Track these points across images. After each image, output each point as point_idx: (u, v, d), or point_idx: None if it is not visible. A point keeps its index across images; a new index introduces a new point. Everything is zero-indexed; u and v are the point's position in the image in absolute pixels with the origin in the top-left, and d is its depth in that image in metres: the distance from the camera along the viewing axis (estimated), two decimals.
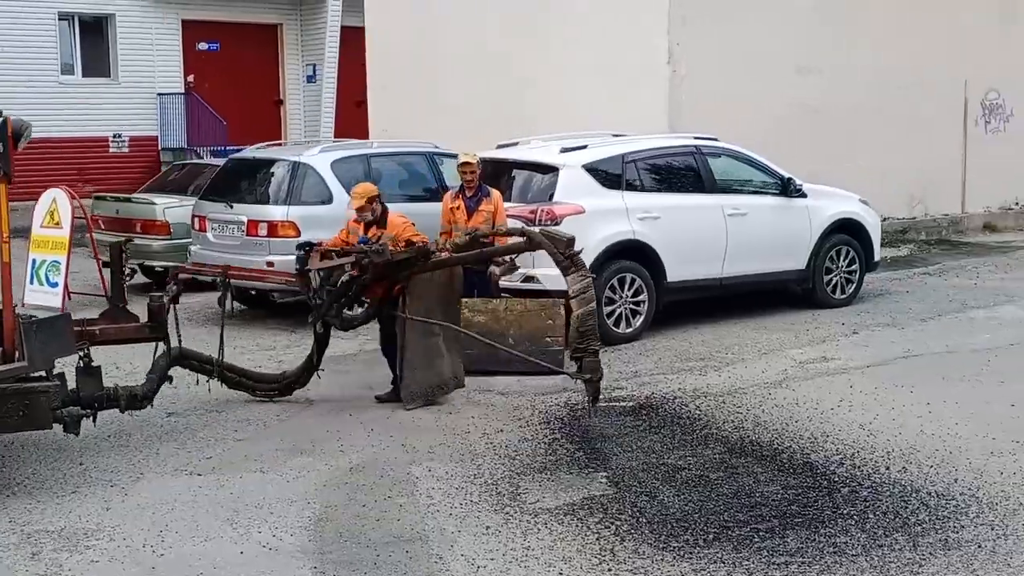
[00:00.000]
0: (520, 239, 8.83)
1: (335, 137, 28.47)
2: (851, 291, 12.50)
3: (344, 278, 8.75)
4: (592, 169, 10.94)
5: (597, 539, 6.24)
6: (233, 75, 27.62)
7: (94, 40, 26.49)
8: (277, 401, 9.07)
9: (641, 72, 14.68)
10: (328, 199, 11.96)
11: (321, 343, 9.01)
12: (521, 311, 9.91)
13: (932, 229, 17.78)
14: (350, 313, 9.11)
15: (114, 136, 26.64)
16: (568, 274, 8.25)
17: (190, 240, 13.07)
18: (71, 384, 7.62)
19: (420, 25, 17.38)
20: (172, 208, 13.67)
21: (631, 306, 10.89)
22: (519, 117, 15.29)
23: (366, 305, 9.13)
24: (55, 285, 12.87)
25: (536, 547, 6.14)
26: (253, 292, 12.48)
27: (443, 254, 8.85)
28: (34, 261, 13.33)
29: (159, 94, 26.84)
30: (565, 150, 11.04)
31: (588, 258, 10.54)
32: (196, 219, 12.58)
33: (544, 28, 15.71)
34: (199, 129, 26.44)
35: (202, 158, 25.69)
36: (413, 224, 9.00)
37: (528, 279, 10.68)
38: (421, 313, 8.76)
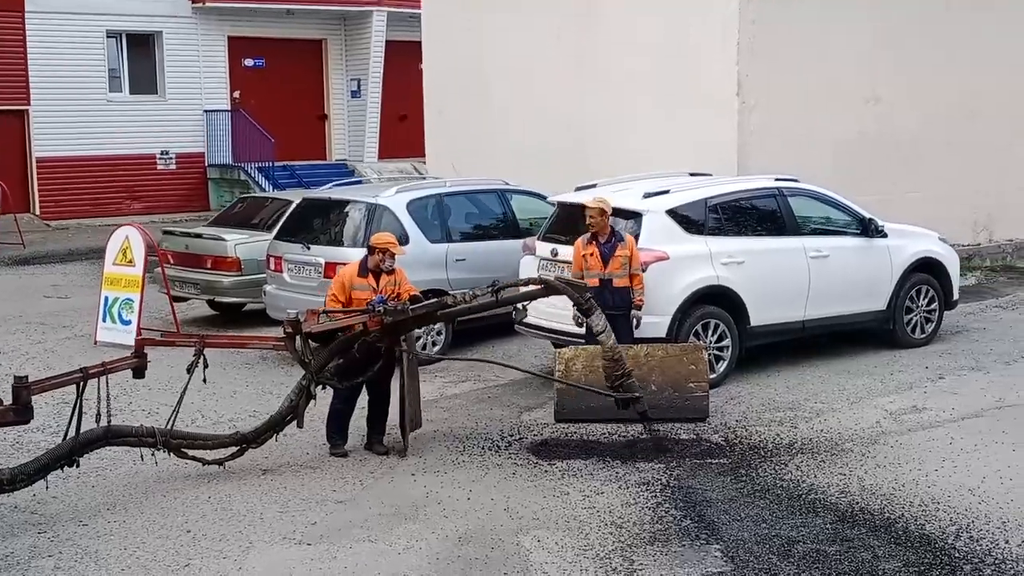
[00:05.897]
0: (538, 286, 9.27)
1: (380, 151, 28.55)
2: (930, 330, 12.35)
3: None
4: (675, 214, 10.83)
5: None
6: (278, 91, 27.64)
7: (141, 57, 26.58)
8: (378, 454, 9.04)
9: (709, 104, 14.54)
10: (404, 240, 11.90)
11: (306, 403, 8.77)
12: (663, 356, 9.80)
13: (997, 255, 17.56)
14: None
15: (161, 153, 26.70)
16: (590, 315, 9.02)
17: (261, 276, 13.05)
18: None
19: (476, 52, 17.26)
20: (242, 244, 13.62)
21: (715, 351, 10.78)
22: (580, 153, 15.19)
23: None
24: (128, 323, 12.97)
25: None
26: None
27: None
28: (107, 299, 13.39)
29: (206, 111, 26.89)
30: (648, 195, 10.92)
31: (672, 305, 10.57)
32: (271, 259, 12.54)
33: (605, 60, 15.55)
34: (246, 145, 26.45)
35: (250, 174, 25.80)
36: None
37: None
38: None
